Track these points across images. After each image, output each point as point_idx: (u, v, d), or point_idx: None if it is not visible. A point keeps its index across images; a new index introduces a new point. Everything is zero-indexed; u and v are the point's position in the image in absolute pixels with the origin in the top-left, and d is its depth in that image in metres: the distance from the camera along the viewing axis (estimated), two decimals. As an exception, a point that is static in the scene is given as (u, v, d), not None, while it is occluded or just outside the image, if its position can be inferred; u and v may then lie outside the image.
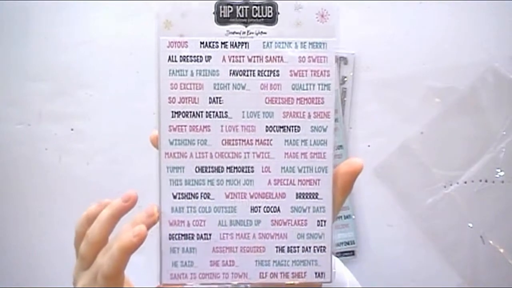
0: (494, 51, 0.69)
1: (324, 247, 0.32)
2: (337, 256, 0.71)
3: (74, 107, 0.73)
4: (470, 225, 0.70)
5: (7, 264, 0.75)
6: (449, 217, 0.70)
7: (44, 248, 0.74)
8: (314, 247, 0.32)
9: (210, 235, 0.32)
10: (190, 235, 0.32)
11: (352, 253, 0.71)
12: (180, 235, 0.32)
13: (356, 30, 0.70)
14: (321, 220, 0.32)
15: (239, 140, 0.32)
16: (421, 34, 0.69)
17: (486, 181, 0.70)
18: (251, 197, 0.32)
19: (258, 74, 0.31)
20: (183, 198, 0.32)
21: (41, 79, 0.72)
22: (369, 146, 0.71)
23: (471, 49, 0.69)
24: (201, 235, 0.32)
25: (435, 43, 0.69)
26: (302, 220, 0.32)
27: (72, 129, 0.73)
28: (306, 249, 0.32)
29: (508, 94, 0.69)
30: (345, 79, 0.70)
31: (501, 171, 0.69)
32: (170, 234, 0.32)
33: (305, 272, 0.32)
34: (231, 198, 0.32)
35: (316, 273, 0.32)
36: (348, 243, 0.71)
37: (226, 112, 0.31)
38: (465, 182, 0.70)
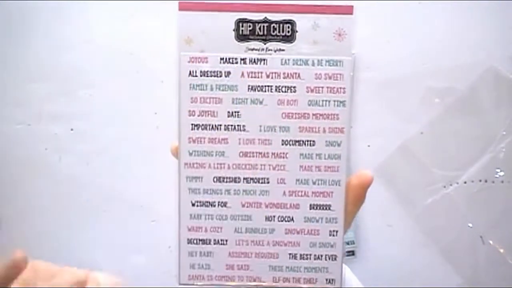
0: (494, 51, 0.69)
1: (335, 255, 0.33)
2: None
3: (74, 107, 0.73)
4: (470, 225, 0.70)
5: (7, 264, 0.75)
6: (449, 217, 0.70)
7: (44, 248, 0.74)
8: (326, 255, 0.33)
9: (226, 241, 0.33)
10: (207, 240, 0.33)
11: (352, 253, 0.71)
12: (198, 240, 0.34)
13: (356, 30, 0.70)
14: (333, 231, 0.33)
15: (256, 152, 0.33)
16: (421, 34, 0.69)
17: (486, 181, 0.70)
18: (266, 206, 0.33)
19: (276, 90, 0.32)
20: (201, 206, 0.33)
21: (41, 79, 0.72)
22: (369, 146, 0.71)
23: (471, 49, 0.69)
24: (218, 240, 0.33)
25: (435, 43, 0.69)
26: (314, 229, 0.33)
27: (72, 129, 0.73)
28: (318, 257, 0.33)
29: (508, 94, 0.69)
30: (345, 79, 0.70)
31: (501, 171, 0.69)
32: (188, 239, 0.34)
33: (316, 279, 0.33)
34: (247, 207, 0.33)
35: (326, 280, 0.33)
36: (348, 243, 0.71)
37: (243, 126, 0.33)
38: (465, 182, 0.70)
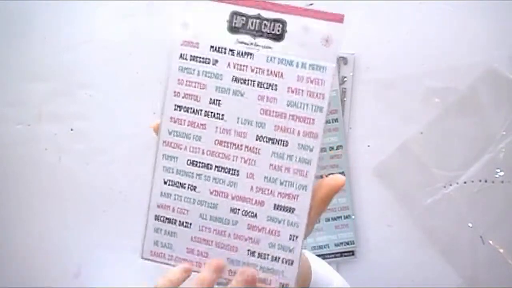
0: (494, 51, 0.69)
1: (292, 260, 0.33)
2: (336, 257, 0.71)
3: (74, 107, 0.73)
4: (470, 225, 0.70)
5: (7, 264, 0.75)
6: (449, 217, 0.70)
7: (44, 248, 0.74)
8: (283, 259, 0.34)
9: (190, 224, 0.34)
10: (173, 220, 0.34)
11: (351, 253, 0.71)
12: (165, 218, 0.35)
13: (356, 30, 0.70)
14: (293, 235, 0.33)
15: (230, 143, 0.33)
16: (421, 34, 0.69)
17: (486, 181, 0.70)
18: (233, 198, 0.34)
19: (258, 85, 0.33)
20: (172, 185, 0.34)
21: (41, 79, 0.72)
22: (369, 146, 0.71)
23: (471, 49, 0.69)
24: (183, 222, 0.34)
25: (435, 43, 0.69)
26: (276, 230, 0.34)
27: (72, 129, 0.73)
28: (275, 259, 0.34)
29: (508, 94, 0.69)
30: (345, 79, 0.70)
31: (501, 171, 0.69)
32: (156, 215, 0.35)
33: (270, 280, 0.34)
34: (215, 195, 0.34)
35: (281, 284, 0.34)
36: (347, 243, 0.71)
37: (222, 115, 0.33)
38: (465, 182, 0.70)
